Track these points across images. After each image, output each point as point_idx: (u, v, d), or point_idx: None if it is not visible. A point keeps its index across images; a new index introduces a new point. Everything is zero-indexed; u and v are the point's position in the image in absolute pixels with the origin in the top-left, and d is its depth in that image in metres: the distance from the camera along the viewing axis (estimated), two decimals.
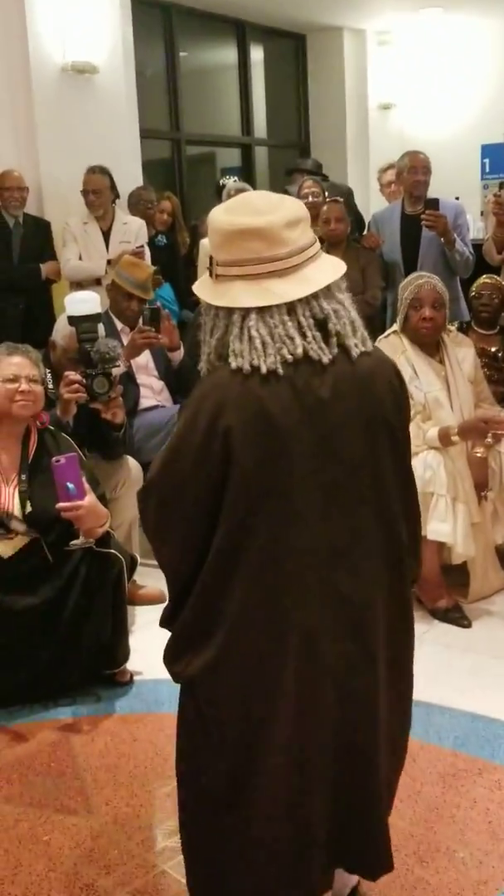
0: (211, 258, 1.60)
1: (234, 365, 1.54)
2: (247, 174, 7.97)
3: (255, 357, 1.53)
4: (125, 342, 4.09)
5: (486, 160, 8.34)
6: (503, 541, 3.77)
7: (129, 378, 4.03)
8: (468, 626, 3.44)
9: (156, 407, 4.22)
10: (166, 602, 1.73)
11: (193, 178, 7.67)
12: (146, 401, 4.19)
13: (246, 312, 1.55)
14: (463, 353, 3.74)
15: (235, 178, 6.45)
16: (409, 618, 1.76)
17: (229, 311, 1.57)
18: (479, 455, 3.58)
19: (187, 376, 4.33)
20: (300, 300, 1.55)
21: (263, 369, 1.52)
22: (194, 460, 1.56)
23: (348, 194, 6.18)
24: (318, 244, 1.62)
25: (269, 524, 1.55)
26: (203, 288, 1.62)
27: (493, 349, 4.23)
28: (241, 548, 1.55)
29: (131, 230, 5.40)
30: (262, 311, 1.54)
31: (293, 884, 1.70)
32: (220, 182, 6.40)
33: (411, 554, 1.75)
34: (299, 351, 1.54)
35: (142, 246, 5.25)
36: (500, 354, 4.23)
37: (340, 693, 1.63)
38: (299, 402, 1.54)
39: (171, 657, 1.68)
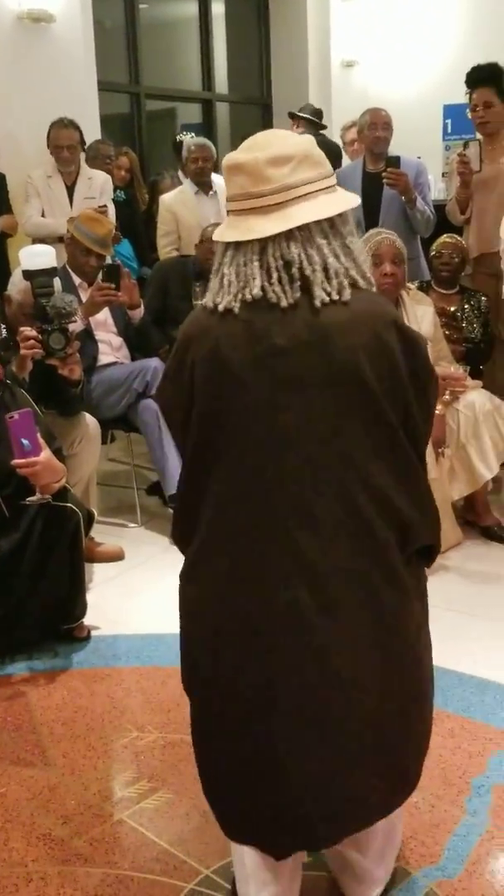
0: None
1: (203, 301, 1.61)
2: (207, 130, 7.85)
3: (220, 295, 1.56)
4: (83, 298, 4.03)
5: (448, 121, 8.29)
6: (459, 497, 3.82)
7: (87, 334, 3.99)
8: None
9: (114, 363, 4.18)
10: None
11: (153, 133, 7.54)
12: (104, 357, 4.15)
13: (225, 248, 1.57)
14: (422, 311, 3.75)
15: (193, 133, 6.33)
16: (396, 582, 1.67)
17: (219, 246, 1.61)
18: (436, 412, 3.60)
19: (147, 333, 4.30)
20: (272, 240, 1.52)
21: (221, 307, 1.54)
22: (173, 385, 1.65)
23: (335, 148, 6.13)
24: (320, 183, 1.54)
25: (223, 463, 1.57)
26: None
27: (452, 308, 4.24)
28: (203, 481, 1.61)
29: (96, 185, 5.28)
30: (237, 248, 1.55)
31: (251, 821, 1.66)
32: (178, 138, 6.29)
33: (421, 527, 1.71)
34: (256, 291, 1.51)
35: (105, 206, 5.14)
36: (458, 314, 4.24)
37: (288, 642, 1.56)
38: (252, 345, 1.52)
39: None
